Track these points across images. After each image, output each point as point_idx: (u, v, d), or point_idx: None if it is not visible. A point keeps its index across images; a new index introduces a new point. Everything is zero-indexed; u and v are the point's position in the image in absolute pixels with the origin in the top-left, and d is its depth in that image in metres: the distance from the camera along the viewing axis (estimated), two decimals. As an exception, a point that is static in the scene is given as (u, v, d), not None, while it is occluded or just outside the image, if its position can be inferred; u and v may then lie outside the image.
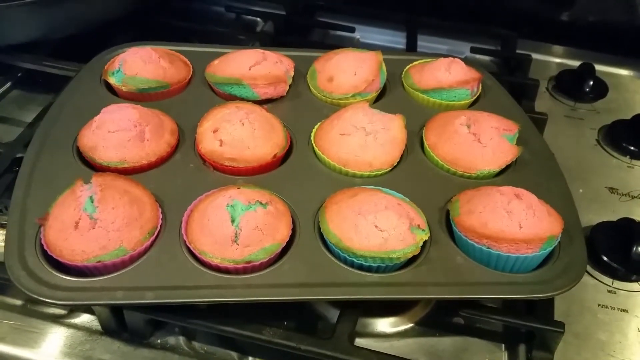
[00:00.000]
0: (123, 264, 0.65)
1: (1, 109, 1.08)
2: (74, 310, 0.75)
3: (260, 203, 0.67)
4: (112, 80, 0.89)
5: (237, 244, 0.65)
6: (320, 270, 0.66)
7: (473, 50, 1.29)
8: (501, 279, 0.66)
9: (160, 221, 0.69)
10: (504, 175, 0.82)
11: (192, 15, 1.40)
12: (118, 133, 0.75)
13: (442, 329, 0.76)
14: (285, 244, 0.67)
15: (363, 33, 1.38)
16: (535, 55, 1.28)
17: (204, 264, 0.65)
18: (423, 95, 0.94)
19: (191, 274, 0.64)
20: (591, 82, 1.21)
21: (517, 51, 1.28)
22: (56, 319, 0.74)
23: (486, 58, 1.31)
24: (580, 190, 0.99)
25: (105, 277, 0.64)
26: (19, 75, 1.14)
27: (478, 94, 0.96)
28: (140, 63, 0.88)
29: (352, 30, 1.32)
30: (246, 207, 0.66)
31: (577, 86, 1.22)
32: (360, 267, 0.66)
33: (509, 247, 0.66)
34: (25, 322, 0.74)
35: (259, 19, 1.39)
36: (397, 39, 1.36)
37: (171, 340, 0.73)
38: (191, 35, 1.24)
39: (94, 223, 0.64)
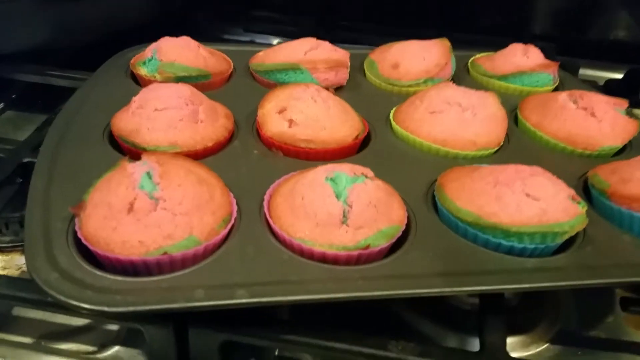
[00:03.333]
0: (194, 259, 0.47)
1: (-5, 131, 0.91)
2: (105, 344, 0.56)
3: (366, 176, 0.52)
4: (143, 71, 0.74)
5: (347, 225, 0.48)
6: (460, 256, 0.50)
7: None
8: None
9: (235, 207, 0.52)
10: (624, 155, 0.69)
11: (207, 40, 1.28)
12: (167, 111, 0.60)
13: (583, 346, 0.59)
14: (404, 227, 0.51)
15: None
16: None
17: (304, 254, 0.48)
18: (501, 82, 0.82)
19: (290, 266, 0.47)
20: (644, 89, 1.12)
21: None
22: (81, 356, 0.55)
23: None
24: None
25: (173, 275, 0.46)
26: (13, 97, 0.98)
27: (557, 82, 0.85)
28: (178, 49, 0.74)
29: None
30: (353, 179, 0.50)
31: (630, 93, 1.13)
32: (509, 251, 0.50)
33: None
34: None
35: (275, 42, 1.28)
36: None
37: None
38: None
39: (154, 204, 0.47)
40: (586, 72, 1.26)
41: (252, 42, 1.26)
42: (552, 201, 0.50)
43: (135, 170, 0.49)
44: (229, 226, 0.50)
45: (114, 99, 0.68)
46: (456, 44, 1.22)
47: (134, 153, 0.59)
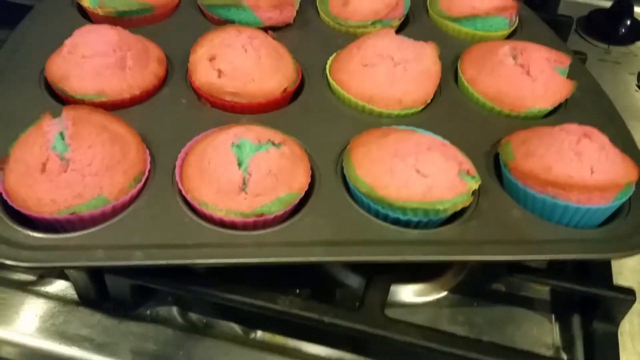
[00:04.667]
0: (103, 217, 0.52)
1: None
2: (44, 275, 0.62)
3: (273, 143, 0.54)
4: (86, 3, 0.73)
5: (246, 193, 0.52)
6: (347, 225, 0.54)
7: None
8: (569, 236, 0.55)
9: (148, 165, 0.56)
10: (556, 116, 0.69)
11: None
12: (94, 59, 0.61)
13: (480, 298, 0.64)
14: (303, 194, 0.55)
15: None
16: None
17: (205, 217, 0.53)
18: (454, 24, 0.80)
19: (189, 229, 0.52)
20: (628, 22, 1.08)
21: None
22: (23, 287, 0.61)
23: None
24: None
25: (82, 233, 0.51)
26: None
27: (515, 25, 0.83)
28: (119, -19, 0.73)
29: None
30: (256, 147, 0.53)
31: (612, 27, 1.09)
32: (396, 222, 0.54)
33: (579, 196, 0.54)
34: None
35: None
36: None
37: (163, 311, 0.60)
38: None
39: (65, 165, 0.51)
40: (571, -1, 1.21)
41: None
42: (439, 178, 0.53)
43: (50, 129, 0.52)
44: (139, 186, 0.54)
45: (56, 35, 0.68)
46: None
47: (65, 100, 0.62)
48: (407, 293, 0.64)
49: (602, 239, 0.55)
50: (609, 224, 0.57)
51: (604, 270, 0.62)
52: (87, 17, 0.75)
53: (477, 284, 0.65)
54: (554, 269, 0.63)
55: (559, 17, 1.04)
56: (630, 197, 0.58)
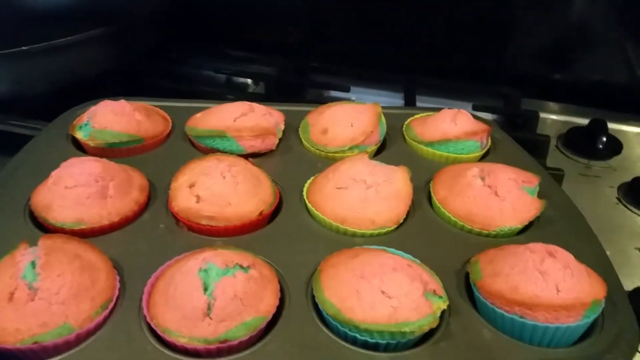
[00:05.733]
0: (67, 346, 0.52)
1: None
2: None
3: (241, 267, 0.55)
4: (79, 135, 0.79)
5: (211, 318, 0.52)
6: (315, 350, 0.53)
7: (475, 107, 1.21)
8: (541, 356, 0.53)
9: (117, 292, 0.56)
10: (527, 234, 0.70)
11: (180, 78, 1.33)
12: (76, 189, 0.64)
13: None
14: (271, 317, 0.55)
15: (359, 94, 1.30)
16: (540, 114, 1.21)
17: (169, 344, 0.52)
18: (428, 148, 0.84)
19: (151, 358, 0.51)
20: (604, 139, 1.13)
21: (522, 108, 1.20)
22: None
23: (489, 116, 1.23)
24: (608, 253, 0.87)
25: (42, 363, 0.50)
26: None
27: (488, 147, 0.87)
28: (110, 116, 0.79)
29: (347, 89, 1.26)
30: (223, 272, 0.54)
31: (590, 143, 1.14)
32: (365, 345, 0.53)
33: (546, 316, 0.53)
34: None
35: (249, 81, 1.32)
36: (394, 100, 1.29)
37: None
38: (179, 96, 1.17)
39: (33, 294, 0.52)
40: (551, 117, 1.27)
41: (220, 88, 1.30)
42: (404, 299, 0.53)
43: (22, 259, 0.53)
44: (106, 313, 0.54)
45: (47, 166, 0.72)
46: (423, 90, 1.26)
47: (47, 228, 0.64)
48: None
49: (574, 358, 0.53)
50: (583, 341, 0.55)
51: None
52: (82, 148, 0.80)
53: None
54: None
55: (538, 137, 1.10)
56: (603, 313, 0.57)
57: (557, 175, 0.94)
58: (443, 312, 0.55)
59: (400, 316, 0.52)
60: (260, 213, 0.68)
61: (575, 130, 1.19)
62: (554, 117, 1.28)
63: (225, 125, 0.80)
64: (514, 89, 1.26)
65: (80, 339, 0.52)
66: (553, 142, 1.17)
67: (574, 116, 1.27)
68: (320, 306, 0.56)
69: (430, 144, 0.84)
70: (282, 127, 0.85)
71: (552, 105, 1.30)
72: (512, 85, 1.27)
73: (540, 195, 0.73)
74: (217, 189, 0.67)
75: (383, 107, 0.87)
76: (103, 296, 0.55)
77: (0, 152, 0.99)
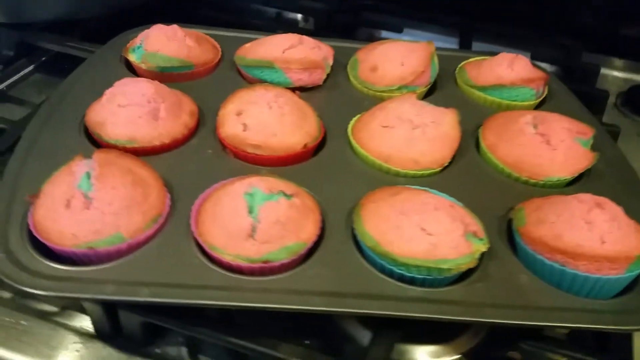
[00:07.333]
0: (118, 254, 0.54)
1: (20, 91, 1.01)
2: (66, 307, 0.65)
3: (284, 194, 0.56)
4: (132, 57, 0.80)
5: (254, 239, 0.54)
6: (352, 278, 0.54)
7: (534, 56, 1.15)
8: (577, 305, 0.53)
9: (167, 208, 0.59)
10: (576, 186, 0.69)
11: (229, 10, 1.32)
12: (129, 108, 0.66)
13: (491, 364, 0.62)
14: (311, 245, 0.56)
15: (411, 37, 1.26)
16: (601, 69, 1.15)
17: (215, 261, 0.55)
18: (480, 93, 0.82)
19: (197, 271, 0.54)
20: (668, 99, 1.07)
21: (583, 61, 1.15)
22: (45, 317, 0.64)
23: (548, 67, 1.18)
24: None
25: (97, 267, 0.53)
26: (43, 59, 1.07)
27: (543, 96, 0.84)
28: (163, 39, 0.79)
29: (400, 30, 1.22)
30: (267, 197, 0.55)
31: (650, 103, 1.08)
32: (401, 279, 0.54)
33: (588, 266, 0.53)
34: (13, 318, 0.64)
35: (299, 16, 1.30)
36: (448, 45, 1.24)
37: (172, 351, 0.62)
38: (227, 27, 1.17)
39: (88, 203, 0.54)
40: (612, 73, 1.21)
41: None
42: (444, 237, 0.53)
43: (78, 169, 0.56)
44: (156, 227, 0.57)
45: (101, 85, 0.74)
46: (479, 35, 1.21)
47: (100, 144, 0.67)
48: (421, 353, 0.62)
49: (612, 311, 0.53)
50: (623, 295, 0.55)
51: (624, 343, 0.60)
52: (134, 70, 0.82)
53: (492, 350, 0.63)
54: (573, 340, 0.61)
55: (595, 91, 1.05)
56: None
57: (613, 132, 0.91)
58: (482, 254, 0.56)
59: (439, 253, 0.53)
60: (305, 145, 0.68)
61: (637, 88, 1.14)
62: (615, 73, 1.21)
63: (273, 56, 0.79)
64: (575, 40, 1.20)
65: (131, 249, 0.55)
66: (612, 99, 1.11)
67: (636, 74, 1.21)
68: (359, 238, 0.57)
69: (483, 88, 0.82)
70: (331, 62, 0.84)
71: (615, 60, 1.23)
72: (574, 37, 1.21)
73: (594, 149, 0.71)
74: (264, 118, 0.68)
75: (437, 49, 0.85)
76: (153, 211, 0.57)
77: (57, 73, 1.03)
